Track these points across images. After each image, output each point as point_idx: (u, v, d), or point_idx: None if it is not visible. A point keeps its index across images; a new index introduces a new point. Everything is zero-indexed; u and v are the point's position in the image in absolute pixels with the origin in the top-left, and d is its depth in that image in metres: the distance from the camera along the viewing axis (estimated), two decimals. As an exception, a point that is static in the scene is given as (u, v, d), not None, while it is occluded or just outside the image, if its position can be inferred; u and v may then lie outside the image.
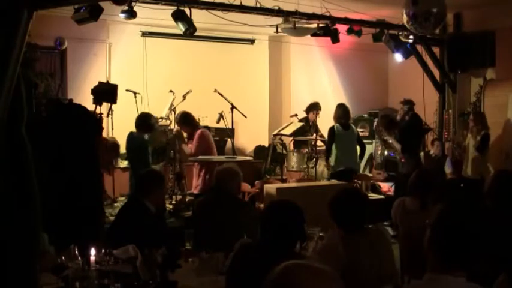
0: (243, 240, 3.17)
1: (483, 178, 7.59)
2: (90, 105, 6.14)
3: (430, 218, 2.30)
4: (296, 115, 9.40)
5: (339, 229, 3.32)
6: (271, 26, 7.76)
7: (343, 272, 2.94)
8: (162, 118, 8.50)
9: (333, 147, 7.70)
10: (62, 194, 5.21)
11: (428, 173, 4.57)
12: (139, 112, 7.53)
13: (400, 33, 8.30)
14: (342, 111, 7.80)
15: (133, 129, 8.27)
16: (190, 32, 6.71)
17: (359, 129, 9.64)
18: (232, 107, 7.93)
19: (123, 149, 8.93)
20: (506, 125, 7.93)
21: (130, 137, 6.96)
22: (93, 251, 3.22)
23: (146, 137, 6.86)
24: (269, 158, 9.15)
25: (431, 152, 8.74)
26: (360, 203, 3.37)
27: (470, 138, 7.79)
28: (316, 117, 8.94)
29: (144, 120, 6.87)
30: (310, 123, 9.03)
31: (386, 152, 9.87)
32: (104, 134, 7.28)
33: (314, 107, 8.98)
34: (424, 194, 4.29)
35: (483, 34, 8.77)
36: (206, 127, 9.04)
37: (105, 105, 6.72)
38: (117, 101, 6.62)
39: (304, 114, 9.18)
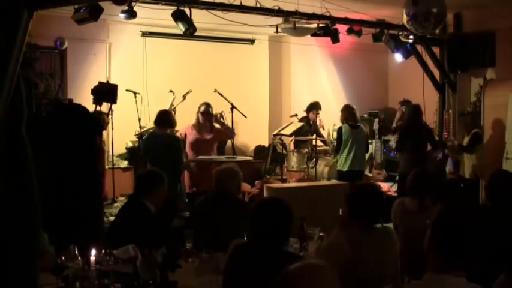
0: (237, 240, 3.17)
1: (478, 178, 7.62)
2: (90, 105, 6.15)
3: (430, 218, 2.30)
4: (296, 115, 9.40)
5: (346, 226, 3.32)
6: (271, 26, 7.76)
7: (347, 270, 2.94)
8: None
9: (342, 146, 7.67)
10: (61, 194, 5.22)
11: (426, 173, 4.56)
12: (139, 112, 7.50)
13: (400, 33, 8.30)
14: (348, 112, 7.77)
15: (133, 129, 8.28)
16: (190, 32, 6.71)
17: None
18: (232, 107, 7.94)
19: (121, 149, 8.98)
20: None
21: (161, 135, 6.65)
22: (93, 251, 3.22)
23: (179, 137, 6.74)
24: (269, 158, 9.15)
25: (434, 153, 8.74)
26: (378, 199, 3.38)
27: (465, 139, 7.84)
28: (316, 117, 8.94)
29: (167, 116, 6.75)
30: (311, 123, 9.03)
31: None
32: (104, 134, 7.29)
33: (314, 107, 8.98)
34: (422, 194, 4.29)
35: (483, 34, 8.76)
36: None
37: (105, 105, 6.71)
38: (117, 101, 6.63)
39: (304, 114, 9.19)
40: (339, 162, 7.74)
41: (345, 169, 7.62)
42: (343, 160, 7.67)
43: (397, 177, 8.37)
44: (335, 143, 7.91)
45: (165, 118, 6.70)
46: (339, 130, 7.77)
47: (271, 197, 3.37)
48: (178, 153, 6.59)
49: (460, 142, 8.16)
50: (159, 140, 6.61)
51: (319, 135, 8.85)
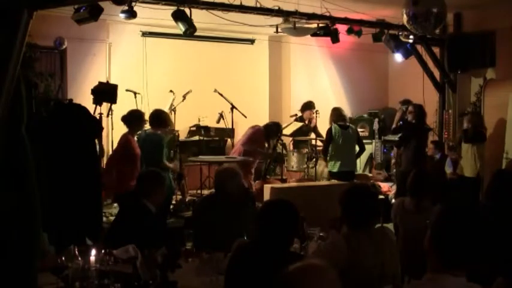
0: (240, 240, 3.17)
1: (480, 177, 7.62)
2: (90, 105, 6.15)
3: (430, 218, 2.30)
4: (296, 115, 9.41)
5: (344, 226, 3.33)
6: (271, 26, 7.77)
7: (345, 271, 2.94)
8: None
9: (332, 147, 7.66)
10: (61, 194, 5.22)
11: (426, 173, 4.56)
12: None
13: (400, 33, 8.30)
14: (336, 114, 7.77)
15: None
16: (190, 32, 6.71)
17: (359, 129, 9.65)
18: (232, 107, 7.94)
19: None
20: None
21: (146, 136, 6.67)
22: (93, 251, 3.22)
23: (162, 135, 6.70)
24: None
25: (429, 153, 8.75)
26: (370, 199, 3.37)
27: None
28: (311, 115, 8.90)
29: (159, 117, 6.69)
30: (307, 122, 9.02)
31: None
32: (104, 134, 7.28)
33: (309, 106, 8.96)
34: (422, 195, 4.29)
35: (483, 34, 8.77)
36: (206, 127, 9.06)
37: (105, 105, 6.71)
38: (117, 101, 6.62)
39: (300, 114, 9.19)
40: (330, 163, 7.71)
41: (335, 170, 7.58)
42: (333, 161, 7.65)
43: (397, 177, 8.36)
44: (324, 144, 7.91)
45: (155, 118, 6.71)
46: (329, 131, 7.73)
47: (279, 199, 3.37)
48: (157, 150, 6.52)
49: (458, 141, 8.17)
50: (146, 138, 6.66)
51: (318, 134, 8.84)
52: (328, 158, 7.72)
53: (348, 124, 7.84)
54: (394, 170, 9.29)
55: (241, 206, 4.46)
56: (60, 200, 5.17)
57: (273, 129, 7.81)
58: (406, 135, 7.86)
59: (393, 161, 9.35)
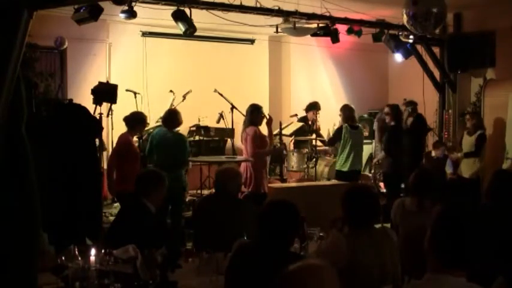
0: (241, 240, 3.18)
1: (479, 178, 7.62)
2: (90, 105, 6.15)
3: (430, 218, 2.30)
4: (296, 115, 9.40)
5: (345, 226, 3.34)
6: (271, 26, 7.77)
7: (346, 271, 2.95)
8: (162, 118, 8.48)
9: (341, 146, 7.66)
10: (61, 194, 5.23)
11: (428, 173, 4.56)
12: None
13: (400, 33, 8.31)
14: (348, 112, 7.74)
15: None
16: (190, 32, 6.71)
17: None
18: (232, 107, 7.93)
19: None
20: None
21: (169, 135, 6.55)
22: (93, 251, 3.22)
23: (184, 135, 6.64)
24: (269, 158, 9.14)
25: (433, 154, 8.73)
26: (371, 199, 3.38)
27: (466, 138, 7.81)
28: (315, 116, 8.92)
29: (176, 117, 6.66)
30: (310, 123, 9.02)
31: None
32: (104, 134, 7.28)
33: (313, 107, 8.97)
34: (423, 194, 4.29)
35: (483, 34, 8.78)
36: (206, 127, 9.05)
37: (105, 105, 6.71)
38: (117, 101, 6.62)
39: (304, 114, 9.18)
40: (339, 163, 7.70)
41: (346, 169, 7.59)
42: (343, 160, 7.64)
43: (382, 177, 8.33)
44: (331, 136, 7.92)
45: (171, 118, 6.68)
46: (339, 130, 7.73)
47: (279, 199, 3.39)
48: (183, 150, 6.59)
49: (455, 145, 8.16)
50: (165, 137, 6.59)
51: (319, 135, 8.85)
52: (337, 157, 7.74)
53: (357, 124, 7.85)
54: (373, 171, 9.26)
55: (241, 206, 4.47)
56: (60, 199, 5.17)
57: (254, 113, 6.99)
58: (390, 138, 7.81)
59: (375, 160, 9.21)
